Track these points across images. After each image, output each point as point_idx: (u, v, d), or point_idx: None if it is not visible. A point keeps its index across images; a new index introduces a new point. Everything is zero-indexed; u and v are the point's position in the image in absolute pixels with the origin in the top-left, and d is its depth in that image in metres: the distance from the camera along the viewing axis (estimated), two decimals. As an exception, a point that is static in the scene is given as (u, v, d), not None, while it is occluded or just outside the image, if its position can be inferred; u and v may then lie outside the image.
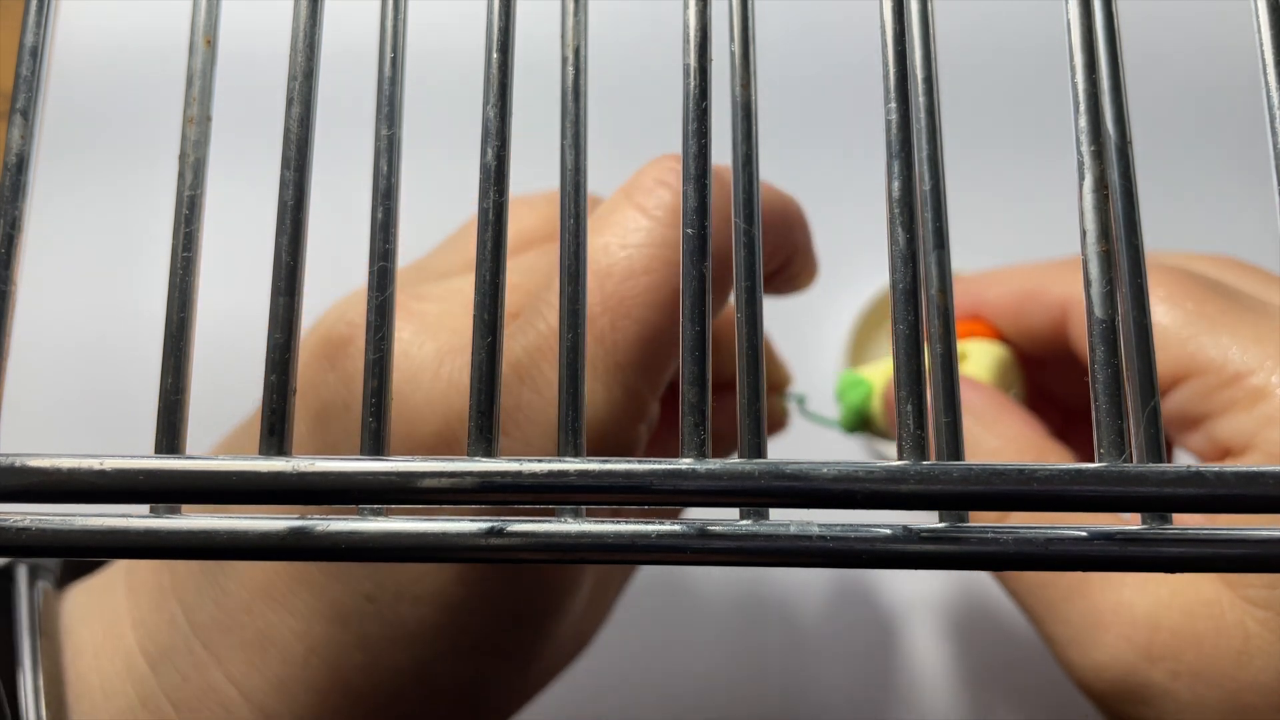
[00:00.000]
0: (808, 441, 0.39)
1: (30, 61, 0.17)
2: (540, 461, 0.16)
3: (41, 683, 0.25)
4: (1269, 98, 0.17)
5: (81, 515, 0.16)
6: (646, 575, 0.41)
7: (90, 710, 0.25)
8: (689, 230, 0.17)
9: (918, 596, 0.40)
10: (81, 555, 0.16)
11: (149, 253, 0.41)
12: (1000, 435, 0.30)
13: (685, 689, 0.40)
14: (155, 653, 0.25)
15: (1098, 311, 0.16)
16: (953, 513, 0.16)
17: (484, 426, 0.16)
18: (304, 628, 0.24)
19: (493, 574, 0.25)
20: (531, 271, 0.27)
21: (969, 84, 0.44)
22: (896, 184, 0.17)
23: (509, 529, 0.16)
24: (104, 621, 0.27)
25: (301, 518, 0.16)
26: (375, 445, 0.17)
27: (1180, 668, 0.26)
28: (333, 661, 0.24)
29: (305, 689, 0.24)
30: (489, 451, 0.16)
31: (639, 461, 0.16)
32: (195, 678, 0.25)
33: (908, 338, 0.16)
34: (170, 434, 0.17)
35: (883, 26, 0.17)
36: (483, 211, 0.17)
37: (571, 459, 0.16)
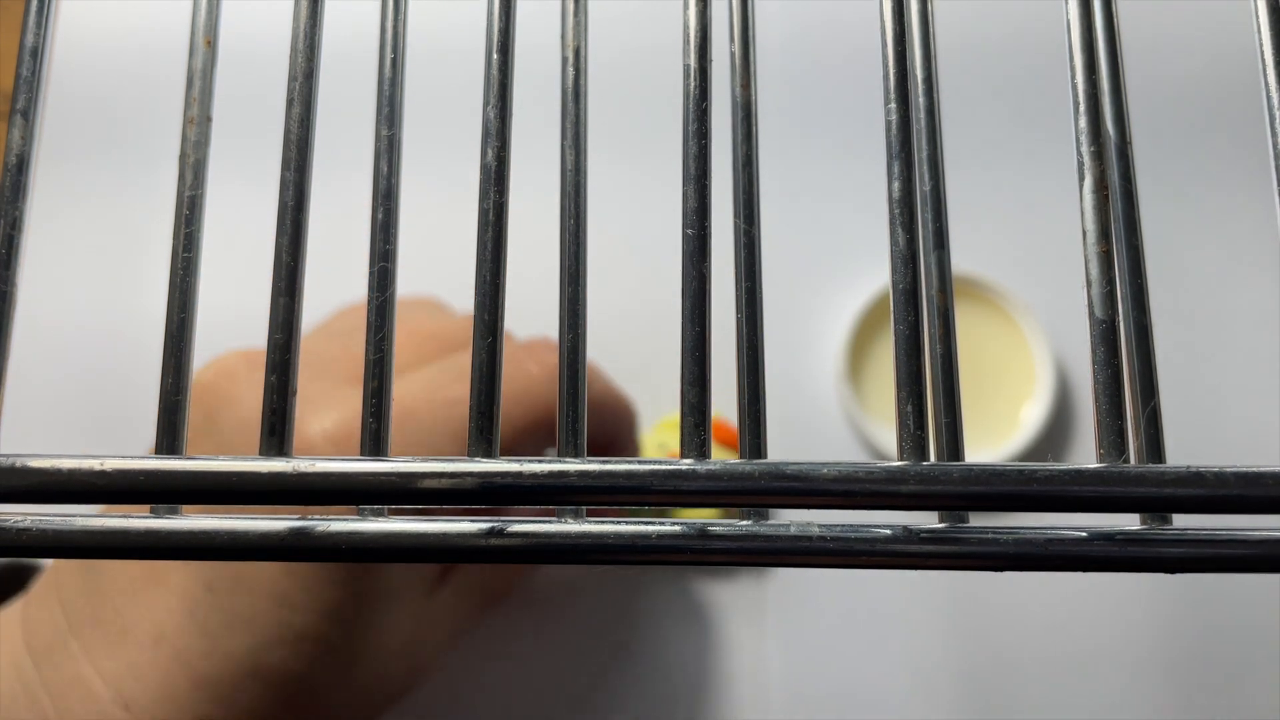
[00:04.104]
0: (807, 442, 0.39)
1: (30, 62, 0.17)
2: (540, 462, 0.16)
3: None
4: (1269, 98, 0.17)
5: (82, 515, 0.16)
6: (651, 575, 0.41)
7: None
8: (689, 231, 0.17)
9: (916, 596, 0.40)
10: (81, 555, 0.16)
11: (149, 253, 0.41)
12: None
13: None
14: (38, 647, 0.28)
15: (1098, 312, 0.16)
16: (952, 513, 0.16)
17: (484, 427, 0.16)
18: (155, 617, 0.28)
19: (317, 571, 0.28)
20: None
21: (969, 84, 0.44)
22: (896, 184, 0.17)
23: (509, 529, 0.16)
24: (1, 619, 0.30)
25: (301, 518, 0.16)
26: (375, 445, 0.17)
27: None
28: (178, 646, 0.28)
29: (154, 671, 0.27)
30: (489, 452, 0.16)
31: (639, 462, 0.16)
32: (67, 668, 0.28)
33: (907, 338, 0.16)
34: (170, 434, 0.17)
35: (882, 27, 0.17)
36: (483, 212, 0.17)
37: (571, 460, 0.16)
